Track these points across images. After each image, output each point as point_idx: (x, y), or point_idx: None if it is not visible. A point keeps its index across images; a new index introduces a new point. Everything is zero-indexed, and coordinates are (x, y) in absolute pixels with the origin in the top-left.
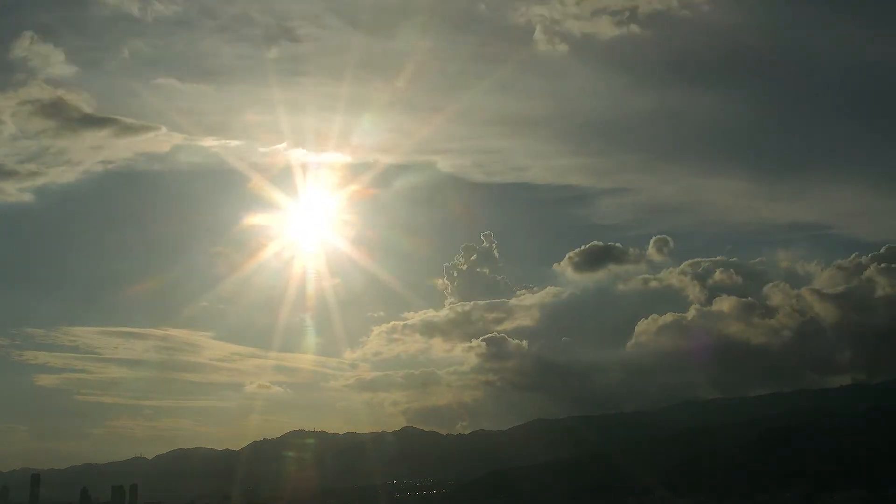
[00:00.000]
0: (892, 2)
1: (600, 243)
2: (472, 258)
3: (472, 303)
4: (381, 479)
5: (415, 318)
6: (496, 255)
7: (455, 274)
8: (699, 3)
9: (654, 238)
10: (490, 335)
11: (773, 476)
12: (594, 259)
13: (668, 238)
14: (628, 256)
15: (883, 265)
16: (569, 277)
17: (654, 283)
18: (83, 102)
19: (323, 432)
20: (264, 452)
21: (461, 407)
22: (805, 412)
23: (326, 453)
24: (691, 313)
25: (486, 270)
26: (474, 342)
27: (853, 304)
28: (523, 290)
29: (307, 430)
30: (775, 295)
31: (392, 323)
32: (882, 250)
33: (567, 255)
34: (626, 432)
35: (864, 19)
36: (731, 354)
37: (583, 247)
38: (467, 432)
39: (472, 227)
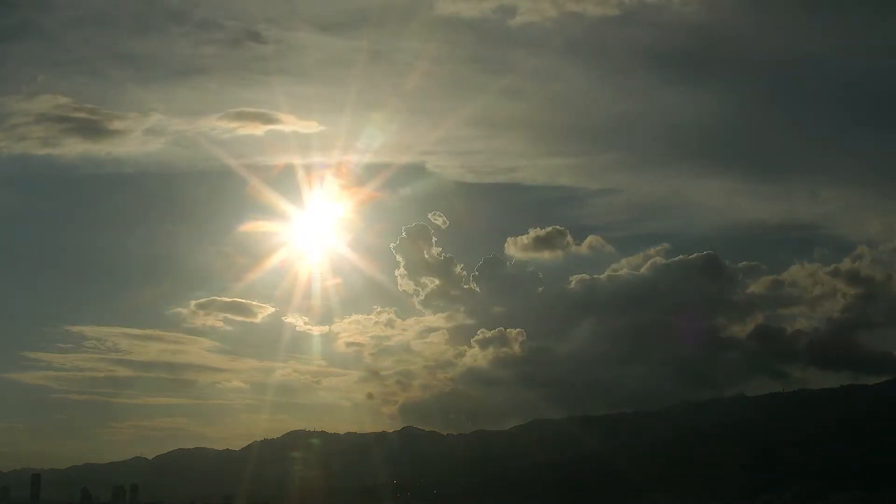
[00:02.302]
0: (880, 3)
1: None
2: (424, 241)
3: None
4: (384, 478)
5: (392, 315)
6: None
7: (403, 257)
8: (687, 2)
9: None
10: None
11: (773, 476)
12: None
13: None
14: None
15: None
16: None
17: (632, 279)
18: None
19: (323, 432)
20: (265, 453)
21: (455, 405)
22: (805, 412)
23: (328, 453)
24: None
25: (439, 254)
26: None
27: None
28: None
29: (308, 430)
30: (761, 292)
31: (372, 319)
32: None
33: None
34: (627, 433)
35: (854, 20)
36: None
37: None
38: (468, 432)
39: (461, 227)
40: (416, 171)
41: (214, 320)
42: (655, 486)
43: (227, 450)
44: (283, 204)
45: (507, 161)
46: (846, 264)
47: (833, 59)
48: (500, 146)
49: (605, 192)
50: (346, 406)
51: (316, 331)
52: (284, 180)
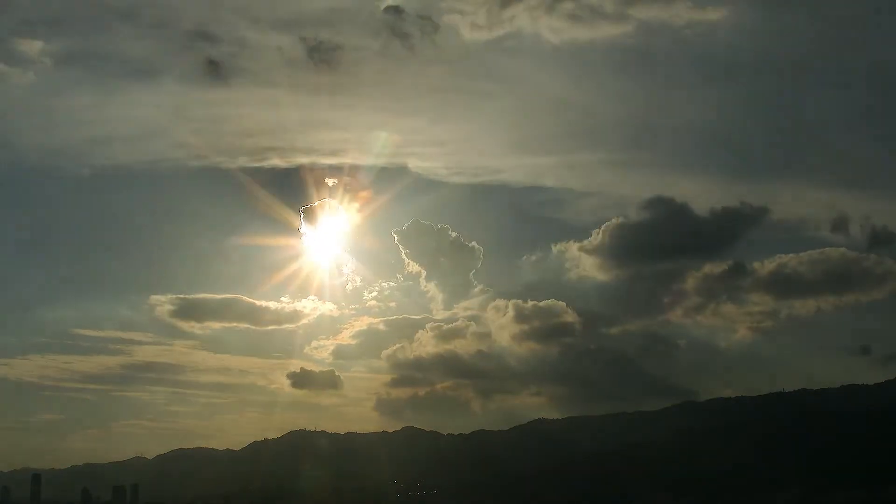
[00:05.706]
0: (871, 5)
1: None
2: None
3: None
4: (385, 479)
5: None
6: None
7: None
8: (674, 3)
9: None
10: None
11: (773, 476)
12: None
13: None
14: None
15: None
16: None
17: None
18: None
19: (324, 432)
20: (266, 452)
21: (452, 406)
22: (805, 412)
23: (329, 453)
24: None
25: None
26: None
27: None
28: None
29: (308, 430)
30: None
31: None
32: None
33: None
34: (627, 433)
35: (845, 20)
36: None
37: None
38: (468, 432)
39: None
40: (399, 171)
41: (221, 321)
42: (655, 486)
43: (228, 450)
44: (287, 213)
45: (491, 161)
46: (833, 259)
47: (820, 59)
48: (484, 147)
49: (591, 194)
50: (346, 406)
51: (313, 330)
52: (281, 181)
